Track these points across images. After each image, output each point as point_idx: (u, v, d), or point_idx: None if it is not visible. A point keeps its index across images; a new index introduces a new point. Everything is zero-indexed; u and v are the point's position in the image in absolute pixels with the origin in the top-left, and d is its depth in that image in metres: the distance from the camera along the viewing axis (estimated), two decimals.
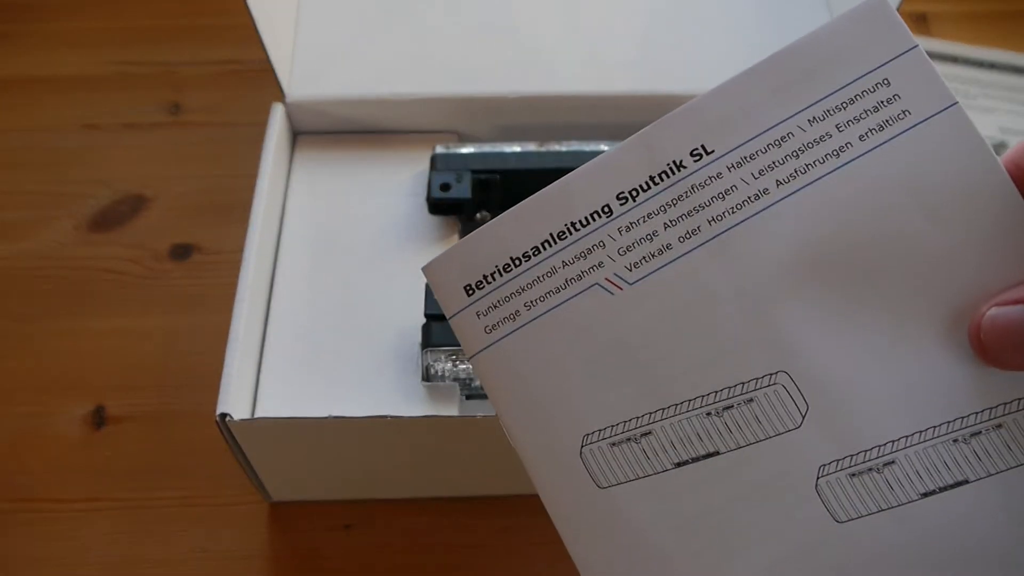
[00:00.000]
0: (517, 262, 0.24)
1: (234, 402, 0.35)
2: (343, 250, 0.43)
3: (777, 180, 0.24)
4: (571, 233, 0.24)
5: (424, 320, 0.38)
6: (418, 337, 0.39)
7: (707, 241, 0.24)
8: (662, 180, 0.24)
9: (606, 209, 0.24)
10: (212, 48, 0.59)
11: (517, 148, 0.44)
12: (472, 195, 0.42)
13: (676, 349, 0.24)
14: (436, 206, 0.43)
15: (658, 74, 0.47)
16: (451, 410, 0.38)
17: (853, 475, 0.23)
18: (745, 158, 0.24)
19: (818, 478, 0.23)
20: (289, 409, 0.37)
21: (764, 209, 0.24)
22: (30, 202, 0.52)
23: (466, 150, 0.44)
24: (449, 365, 0.37)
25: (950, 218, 0.23)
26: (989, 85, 0.59)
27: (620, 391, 0.24)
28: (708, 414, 0.23)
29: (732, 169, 0.24)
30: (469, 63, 0.47)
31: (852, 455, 0.23)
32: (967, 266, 0.23)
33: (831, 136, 0.24)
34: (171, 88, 0.57)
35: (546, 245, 0.24)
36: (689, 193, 0.24)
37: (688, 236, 0.24)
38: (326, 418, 0.35)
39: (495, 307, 0.24)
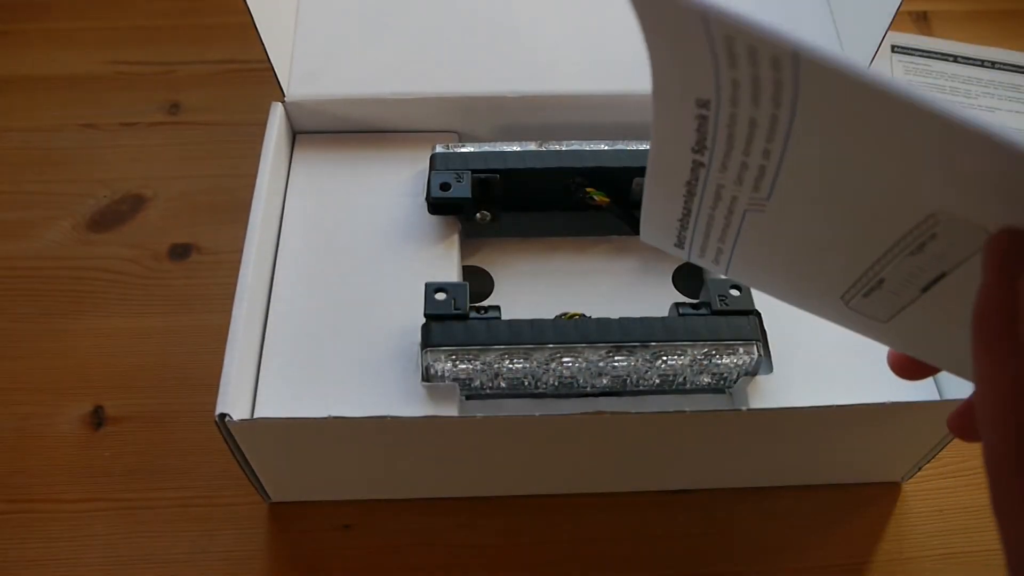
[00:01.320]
0: (683, 227, 0.28)
1: (233, 402, 0.35)
2: (343, 250, 0.42)
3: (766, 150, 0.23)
4: (695, 194, 0.27)
5: (424, 320, 0.38)
6: (418, 337, 0.38)
7: (780, 156, 0.24)
8: (706, 120, 0.24)
9: (697, 163, 0.25)
10: (211, 48, 0.59)
11: (517, 148, 0.44)
12: (472, 194, 0.42)
13: (845, 220, 0.25)
14: (436, 206, 0.42)
15: None
16: (451, 410, 0.38)
17: None
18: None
19: None
20: (289, 409, 0.37)
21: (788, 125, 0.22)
22: (29, 202, 0.52)
23: (466, 150, 0.43)
24: (449, 365, 0.37)
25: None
26: (990, 83, 0.59)
27: (835, 264, 0.26)
28: (912, 253, 0.24)
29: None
30: (469, 63, 0.47)
31: None
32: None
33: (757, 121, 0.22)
34: (170, 88, 0.57)
35: (688, 213, 0.27)
36: (732, 121, 0.23)
37: (767, 153, 0.24)
38: (326, 418, 0.35)
39: (704, 251, 0.28)
